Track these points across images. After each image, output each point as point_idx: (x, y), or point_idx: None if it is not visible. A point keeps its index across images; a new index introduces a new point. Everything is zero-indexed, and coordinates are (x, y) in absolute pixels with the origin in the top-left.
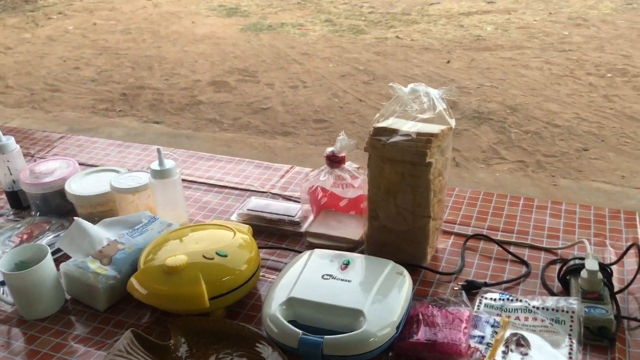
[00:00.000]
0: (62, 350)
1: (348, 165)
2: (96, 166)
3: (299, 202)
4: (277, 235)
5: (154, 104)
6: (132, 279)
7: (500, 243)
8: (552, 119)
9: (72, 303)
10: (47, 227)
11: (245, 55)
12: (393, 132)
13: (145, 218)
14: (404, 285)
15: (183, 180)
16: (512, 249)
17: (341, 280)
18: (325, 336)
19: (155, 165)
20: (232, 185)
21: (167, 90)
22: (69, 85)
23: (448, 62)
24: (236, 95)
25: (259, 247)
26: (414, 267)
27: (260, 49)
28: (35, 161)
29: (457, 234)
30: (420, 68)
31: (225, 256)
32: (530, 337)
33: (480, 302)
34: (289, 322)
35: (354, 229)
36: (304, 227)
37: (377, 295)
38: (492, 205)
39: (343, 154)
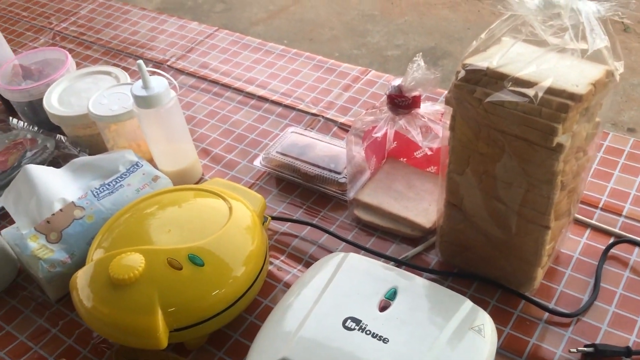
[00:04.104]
0: None
1: (426, 107)
2: (116, 51)
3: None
4: (317, 194)
5: None
6: (78, 276)
7: None
8: None
9: (26, 280)
10: (26, 148)
11: None
12: (499, 78)
13: (124, 164)
14: (481, 356)
15: (211, 81)
16: None
17: (373, 336)
18: None
19: (137, 89)
20: (274, 98)
21: None
22: None
23: None
24: None
25: (280, 219)
26: (509, 293)
27: None
28: (52, 38)
29: (596, 230)
30: None
31: (202, 265)
32: None
33: None
34: None
35: (427, 206)
36: (352, 192)
37: None
38: None
39: (416, 94)
